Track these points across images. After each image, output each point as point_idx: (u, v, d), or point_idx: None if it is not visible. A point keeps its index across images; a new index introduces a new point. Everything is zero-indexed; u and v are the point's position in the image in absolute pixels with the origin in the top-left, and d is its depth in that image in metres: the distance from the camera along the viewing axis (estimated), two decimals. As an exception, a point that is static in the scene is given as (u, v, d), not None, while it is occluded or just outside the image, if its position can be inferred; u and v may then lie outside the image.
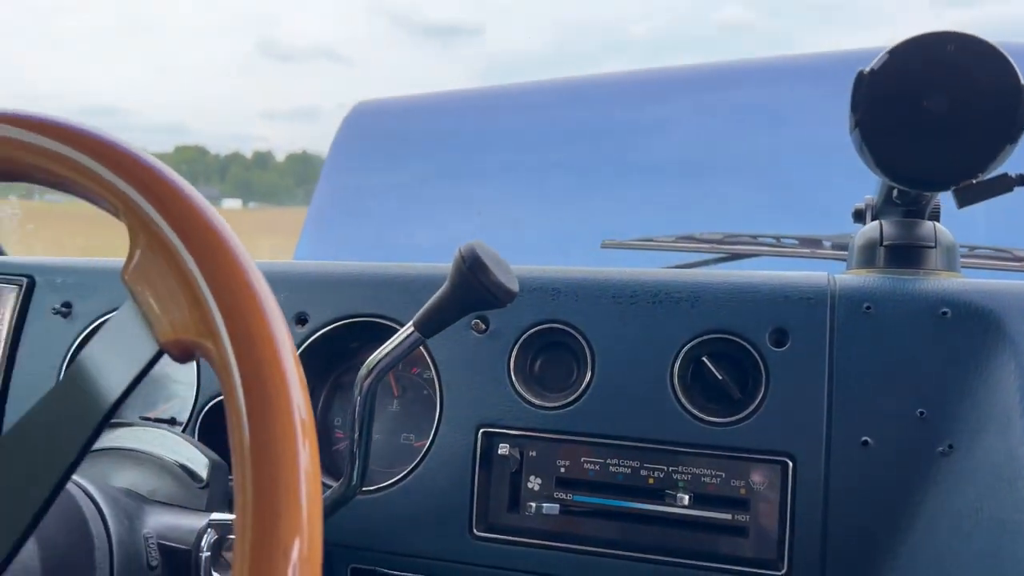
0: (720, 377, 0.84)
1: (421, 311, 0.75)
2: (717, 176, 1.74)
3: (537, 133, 1.97)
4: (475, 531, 0.88)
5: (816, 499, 0.80)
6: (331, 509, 0.85)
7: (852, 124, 0.75)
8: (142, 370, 0.53)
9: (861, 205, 1.00)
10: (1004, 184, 0.72)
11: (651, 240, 1.43)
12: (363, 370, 0.78)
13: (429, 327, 0.75)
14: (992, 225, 1.49)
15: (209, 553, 0.73)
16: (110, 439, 0.85)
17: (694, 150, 1.80)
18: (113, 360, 0.52)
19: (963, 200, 0.72)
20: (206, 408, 0.99)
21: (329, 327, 0.96)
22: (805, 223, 1.47)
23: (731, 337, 0.85)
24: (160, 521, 0.74)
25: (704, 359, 0.85)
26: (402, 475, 0.91)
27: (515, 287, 0.72)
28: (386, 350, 0.77)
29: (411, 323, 0.76)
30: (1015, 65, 0.70)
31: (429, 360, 0.92)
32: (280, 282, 0.99)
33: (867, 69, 0.72)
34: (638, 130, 1.89)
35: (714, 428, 0.83)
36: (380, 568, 0.92)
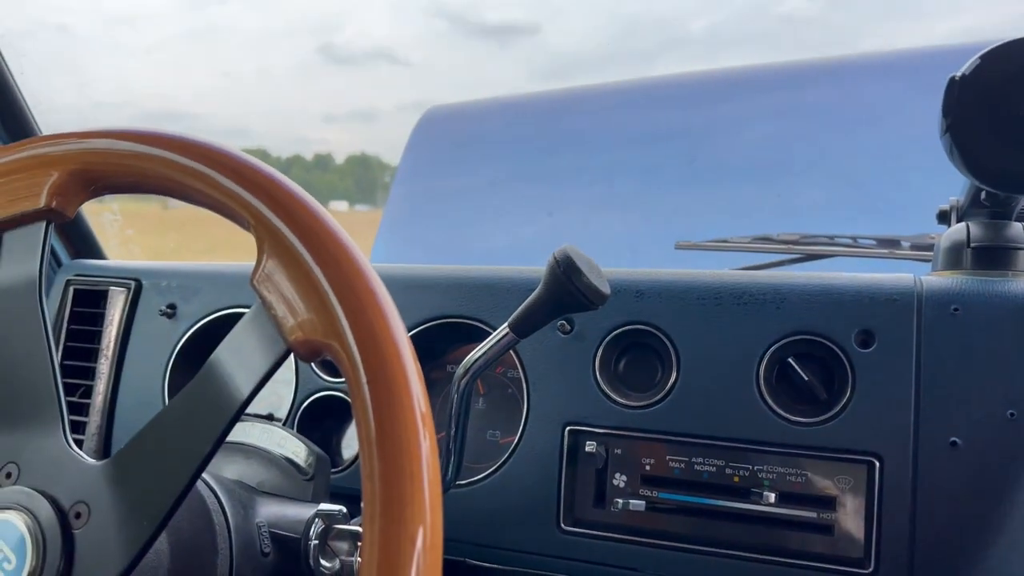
0: (806, 378, 0.85)
1: (516, 313, 0.78)
2: (791, 177, 1.74)
3: (607, 135, 1.99)
4: (562, 525, 0.91)
5: (903, 499, 0.81)
6: (426, 502, 0.89)
7: (943, 129, 0.76)
8: (271, 367, 0.57)
9: (946, 207, 1.00)
10: (1096, 188, 0.72)
11: (726, 241, 1.43)
12: (460, 369, 0.82)
13: (524, 328, 0.78)
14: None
15: (317, 542, 0.77)
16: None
17: (767, 150, 1.80)
18: (244, 359, 0.57)
19: None
20: (304, 405, 1.04)
21: (420, 328, 1.00)
22: (882, 224, 1.46)
23: (817, 338, 0.86)
24: (271, 511, 0.79)
25: (790, 360, 0.87)
26: (491, 470, 0.95)
27: (607, 290, 0.75)
28: (482, 350, 0.81)
29: (506, 324, 0.79)
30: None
31: (516, 360, 0.96)
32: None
33: (958, 75, 0.73)
34: (710, 131, 1.89)
35: (800, 428, 0.85)
36: (469, 559, 0.95)
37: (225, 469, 0.85)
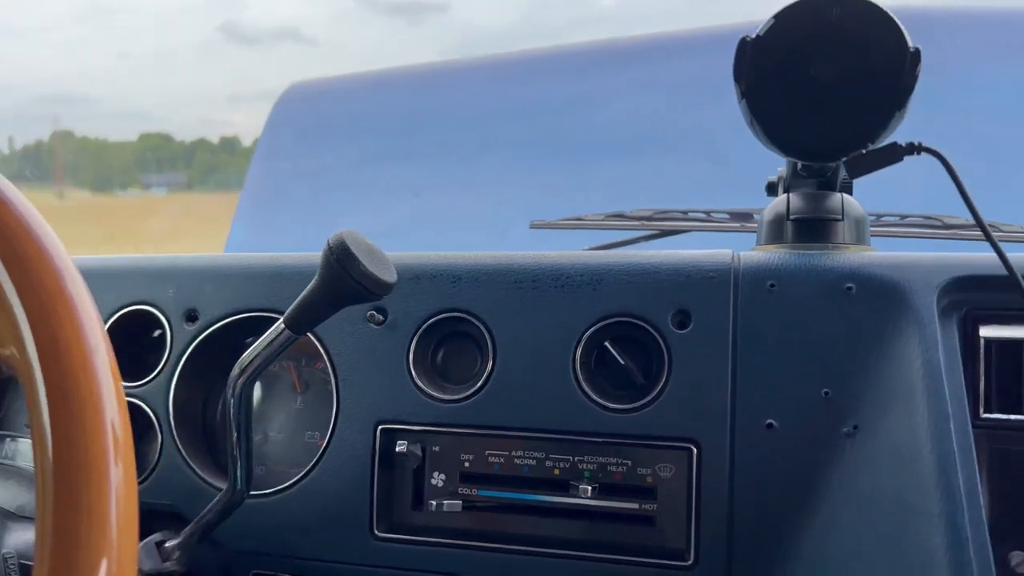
0: (623, 362, 0.81)
1: (291, 307, 0.71)
2: (655, 152, 1.71)
3: (474, 111, 1.92)
4: (376, 531, 0.85)
5: (721, 485, 0.77)
6: (219, 516, 0.81)
7: (739, 94, 0.71)
8: None
9: (774, 178, 0.97)
10: (894, 153, 0.68)
11: (580, 219, 1.39)
12: (235, 369, 0.74)
13: (300, 324, 0.70)
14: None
15: (75, 571, 0.69)
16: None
17: (632, 126, 1.76)
18: None
19: (854, 171, 0.69)
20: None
21: (220, 324, 0.92)
22: (746, 199, 1.44)
23: (633, 320, 0.81)
24: (23, 539, 0.70)
25: (607, 344, 0.82)
26: (299, 477, 0.87)
27: (390, 278, 0.68)
28: (257, 350, 0.73)
29: (281, 320, 0.72)
30: (903, 28, 0.66)
31: (324, 354, 0.88)
32: (170, 277, 0.94)
33: (751, 36, 0.68)
34: (574, 106, 1.84)
35: (617, 415, 0.80)
36: (282, 573, 0.88)
37: None
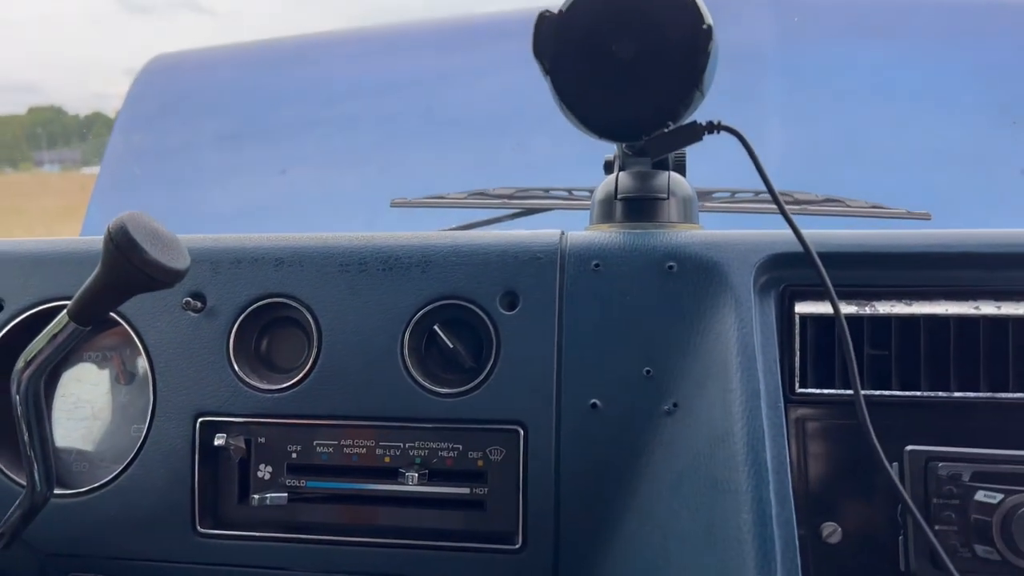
0: (451, 346, 0.79)
1: (74, 298, 0.66)
2: (524, 128, 1.69)
3: (343, 85, 1.86)
4: (199, 528, 0.81)
5: (548, 467, 0.76)
6: (24, 519, 0.76)
7: (543, 70, 0.70)
8: None
9: (611, 156, 0.97)
10: (694, 132, 0.68)
11: (442, 197, 1.36)
12: (19, 362, 0.69)
13: (85, 315, 0.66)
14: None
15: None
16: None
17: (502, 101, 1.74)
18: None
19: (655, 150, 0.69)
20: None
21: (27, 314, 0.85)
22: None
23: (462, 302, 0.79)
24: None
25: (436, 328, 0.80)
26: (115, 474, 0.82)
27: (180, 264, 0.64)
28: (40, 343, 0.68)
29: (65, 311, 0.67)
30: (701, 6, 0.66)
31: (139, 344, 0.83)
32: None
33: (552, 11, 0.67)
34: (448, 80, 1.81)
35: (446, 400, 0.79)
36: (101, 576, 0.84)
37: None
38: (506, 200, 1.34)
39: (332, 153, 1.78)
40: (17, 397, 0.68)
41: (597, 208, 0.87)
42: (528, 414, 0.77)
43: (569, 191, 1.36)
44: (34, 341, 0.68)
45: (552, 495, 0.76)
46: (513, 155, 1.67)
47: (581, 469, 0.76)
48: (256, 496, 0.79)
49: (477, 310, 0.79)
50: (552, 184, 1.41)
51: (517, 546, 0.77)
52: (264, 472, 0.82)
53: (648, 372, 0.76)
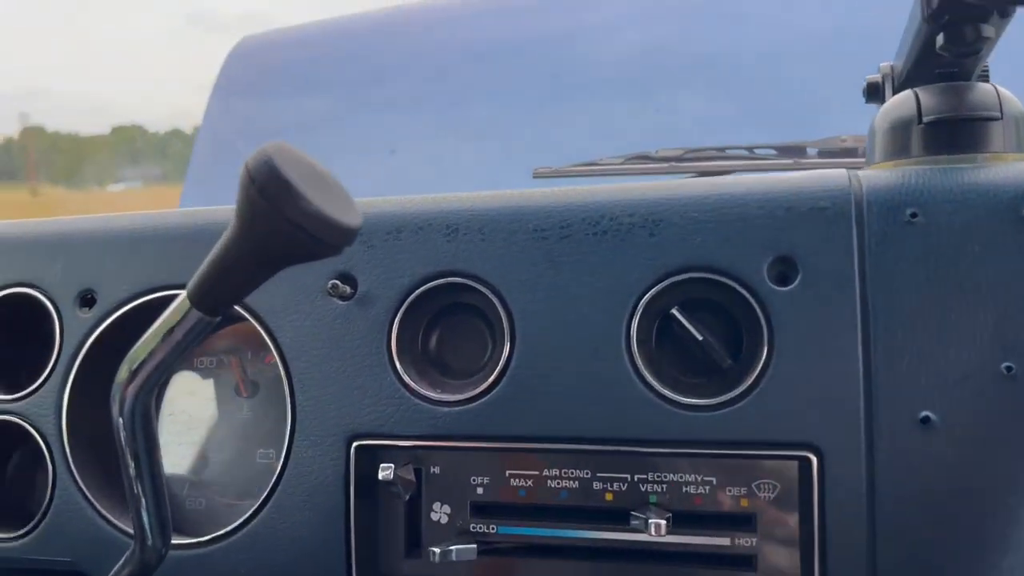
0: (701, 338, 0.56)
1: (197, 274, 0.45)
2: (672, 88, 1.45)
3: (453, 54, 1.66)
4: (357, 590, 0.60)
5: (856, 508, 0.53)
6: (129, 586, 0.56)
7: None
8: None
9: (875, 77, 0.72)
10: None
11: (594, 164, 1.14)
12: (121, 372, 0.48)
13: (212, 301, 0.45)
14: None
15: None
16: None
17: (641, 60, 1.50)
18: None
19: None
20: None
21: (125, 308, 0.66)
22: (781, 134, 1.19)
23: (713, 276, 0.56)
24: None
25: (675, 312, 0.57)
26: (246, 517, 0.62)
27: (352, 219, 0.42)
28: (153, 343, 0.47)
29: (183, 294, 0.46)
30: None
31: (272, 344, 0.63)
32: (57, 247, 0.68)
33: None
34: (570, 41, 1.59)
35: (697, 414, 0.55)
36: (227, 652, 0.63)
37: None
38: (674, 163, 1.10)
39: (448, 127, 1.57)
40: (120, 420, 0.48)
41: (883, 140, 0.62)
42: (822, 434, 0.54)
43: (750, 149, 1.12)
44: (140, 342, 0.48)
45: (863, 549, 0.53)
46: (656, 118, 1.43)
47: (909, 512, 0.52)
48: (437, 550, 0.57)
49: (735, 286, 0.56)
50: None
51: (811, 622, 0.54)
52: (440, 514, 0.60)
53: (1009, 369, 0.51)
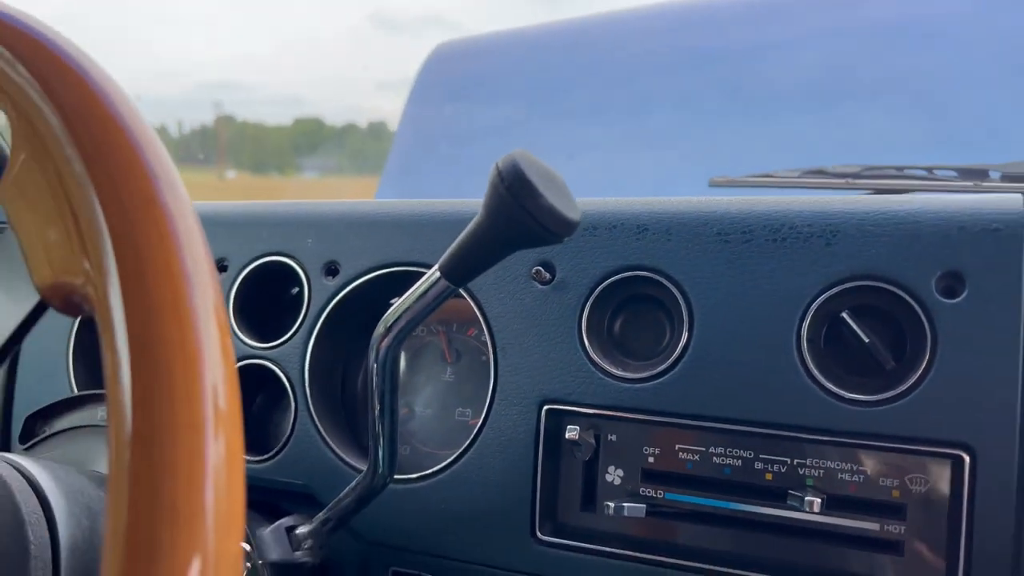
0: (867, 340, 0.62)
1: (449, 250, 0.56)
2: (852, 104, 1.47)
3: (634, 65, 1.74)
4: (539, 534, 0.70)
5: (1006, 506, 0.57)
6: (357, 503, 0.69)
7: None
8: (22, 323, 0.37)
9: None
10: None
11: (770, 176, 1.18)
12: (379, 327, 0.60)
13: (459, 272, 0.56)
14: None
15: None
16: (97, 414, 0.71)
17: (822, 75, 1.52)
18: None
19: None
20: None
21: (363, 279, 0.79)
22: (963, 156, 1.19)
23: (883, 285, 0.62)
24: None
25: (844, 315, 0.63)
26: (449, 461, 0.74)
27: (574, 214, 0.52)
28: (406, 304, 0.59)
29: (436, 267, 0.57)
30: None
31: (481, 318, 0.74)
32: (308, 225, 0.83)
33: None
34: (753, 55, 1.62)
35: (858, 409, 0.61)
36: (425, 574, 0.75)
37: (96, 461, 0.66)
38: (851, 179, 1.13)
39: (628, 135, 1.66)
40: (375, 366, 0.60)
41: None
42: (977, 435, 0.58)
43: (929, 169, 1.13)
44: (396, 304, 0.60)
45: (1009, 548, 0.57)
46: (835, 134, 1.45)
47: (1060, 517, 0.56)
48: (611, 504, 0.66)
49: (904, 295, 0.61)
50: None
51: (954, 608, 0.58)
52: (614, 476, 0.69)
53: None
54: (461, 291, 0.75)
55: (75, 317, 0.37)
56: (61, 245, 0.35)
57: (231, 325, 0.83)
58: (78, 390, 0.87)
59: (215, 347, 0.32)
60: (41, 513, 0.53)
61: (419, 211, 0.79)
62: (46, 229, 0.36)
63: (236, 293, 0.84)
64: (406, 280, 0.69)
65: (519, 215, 0.50)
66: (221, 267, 0.85)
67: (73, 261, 0.35)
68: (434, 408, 0.83)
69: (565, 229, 0.52)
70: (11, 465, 0.55)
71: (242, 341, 0.83)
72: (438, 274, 0.57)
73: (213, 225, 0.86)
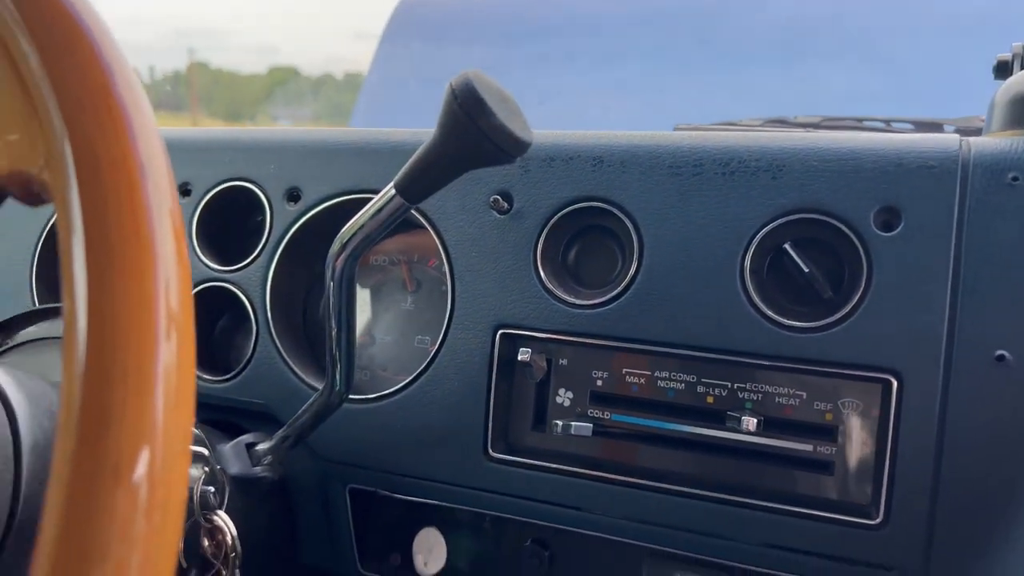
0: (806, 270, 0.65)
1: (404, 169, 0.57)
2: (815, 58, 1.49)
3: (606, 15, 1.74)
4: (491, 451, 0.73)
5: (927, 430, 0.61)
6: (315, 419, 0.71)
7: None
8: None
9: (1006, 55, 0.77)
10: None
11: (733, 124, 1.21)
12: (335, 245, 0.62)
13: (414, 189, 0.57)
14: None
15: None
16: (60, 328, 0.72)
17: (788, 31, 1.54)
18: None
19: None
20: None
21: (324, 205, 0.80)
22: (922, 111, 1.22)
23: (824, 218, 0.65)
24: None
25: (787, 247, 0.66)
26: (406, 383, 0.76)
27: (526, 135, 0.54)
28: (361, 221, 0.60)
29: (391, 184, 0.59)
30: None
31: (440, 246, 0.76)
32: (271, 151, 0.83)
33: None
34: (722, 9, 1.63)
35: (795, 335, 0.64)
36: (381, 490, 0.78)
37: (27, 365, 0.67)
38: (810, 129, 1.16)
39: (596, 83, 1.66)
40: (331, 284, 0.62)
41: (1001, 112, 0.68)
42: (905, 362, 0.61)
43: (887, 122, 1.16)
44: (351, 221, 0.62)
45: (930, 468, 0.60)
46: (797, 87, 1.47)
47: (975, 437, 0.60)
48: (559, 423, 0.69)
49: (843, 228, 0.64)
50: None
51: (875, 522, 0.62)
52: (563, 398, 0.72)
53: (1086, 321, 0.57)
54: (422, 219, 0.77)
55: (34, 206, 0.39)
56: (18, 135, 0.36)
57: (194, 248, 0.85)
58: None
59: (168, 242, 0.33)
60: (3, 411, 0.55)
61: (380, 139, 0.80)
62: (2, 119, 0.37)
63: (199, 218, 0.85)
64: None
65: (472, 133, 0.52)
66: (184, 191, 0.85)
67: (31, 150, 0.36)
68: (394, 335, 0.85)
69: (516, 148, 0.53)
70: None
71: (205, 264, 0.84)
72: (393, 191, 0.58)
73: (178, 150, 0.87)
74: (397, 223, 0.60)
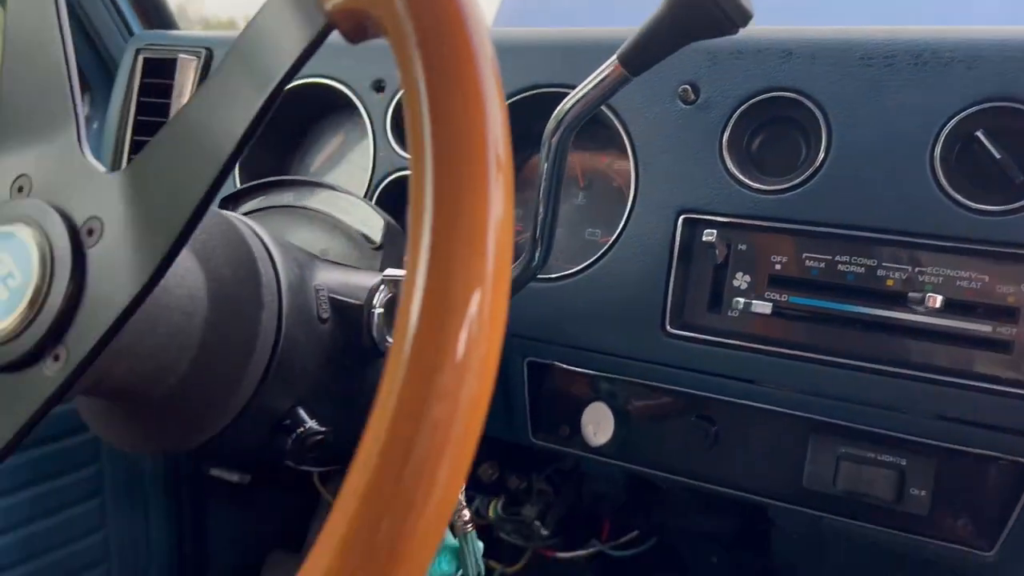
0: (999, 156, 0.67)
1: (628, 41, 0.62)
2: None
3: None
4: (668, 328, 0.78)
5: (1117, 311, 0.63)
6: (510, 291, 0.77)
7: None
8: (308, 46, 0.44)
9: None
10: None
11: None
12: (551, 123, 0.67)
13: (638, 60, 0.62)
14: None
15: (382, 310, 0.67)
16: (283, 198, 0.80)
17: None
18: (276, 38, 0.44)
19: None
20: (382, 185, 0.92)
21: (510, 100, 0.85)
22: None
23: (1019, 106, 0.66)
24: (331, 276, 0.68)
25: (979, 134, 0.68)
26: (587, 263, 0.81)
27: (750, 7, 0.57)
28: (581, 92, 0.65)
29: (615, 57, 0.63)
30: None
31: (625, 135, 0.80)
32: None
33: None
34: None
35: (983, 218, 0.67)
36: (560, 363, 0.84)
37: (286, 234, 0.75)
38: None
39: None
40: (545, 164, 0.67)
41: None
42: (1098, 243, 0.63)
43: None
44: (570, 95, 0.66)
45: (1116, 344, 0.63)
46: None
47: None
48: (740, 301, 0.73)
49: (1038, 116, 0.66)
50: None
51: (1055, 398, 0.65)
52: (741, 281, 0.76)
53: None
54: (607, 112, 0.81)
55: (358, 42, 0.44)
56: None
57: (388, 140, 0.91)
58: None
59: (494, 97, 0.37)
60: (266, 254, 0.62)
61: (571, 38, 0.84)
62: None
63: (392, 112, 0.91)
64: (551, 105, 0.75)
65: (700, 3, 0.55)
66: (378, 87, 0.92)
67: None
68: (564, 226, 0.90)
69: (742, 17, 0.57)
70: (237, 219, 0.64)
71: (400, 156, 0.91)
72: (615, 63, 0.63)
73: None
74: (614, 94, 0.65)
